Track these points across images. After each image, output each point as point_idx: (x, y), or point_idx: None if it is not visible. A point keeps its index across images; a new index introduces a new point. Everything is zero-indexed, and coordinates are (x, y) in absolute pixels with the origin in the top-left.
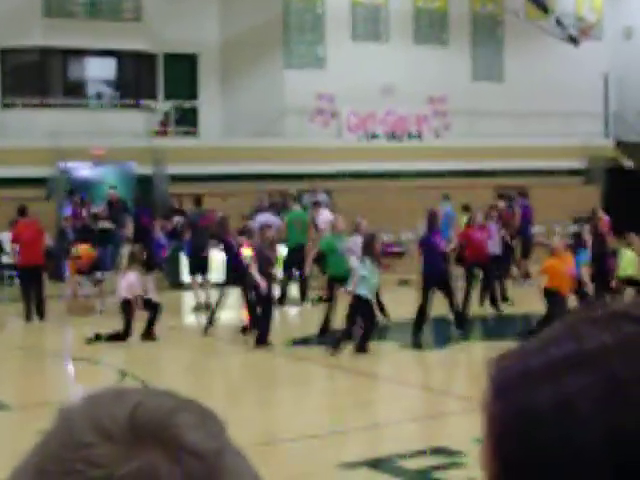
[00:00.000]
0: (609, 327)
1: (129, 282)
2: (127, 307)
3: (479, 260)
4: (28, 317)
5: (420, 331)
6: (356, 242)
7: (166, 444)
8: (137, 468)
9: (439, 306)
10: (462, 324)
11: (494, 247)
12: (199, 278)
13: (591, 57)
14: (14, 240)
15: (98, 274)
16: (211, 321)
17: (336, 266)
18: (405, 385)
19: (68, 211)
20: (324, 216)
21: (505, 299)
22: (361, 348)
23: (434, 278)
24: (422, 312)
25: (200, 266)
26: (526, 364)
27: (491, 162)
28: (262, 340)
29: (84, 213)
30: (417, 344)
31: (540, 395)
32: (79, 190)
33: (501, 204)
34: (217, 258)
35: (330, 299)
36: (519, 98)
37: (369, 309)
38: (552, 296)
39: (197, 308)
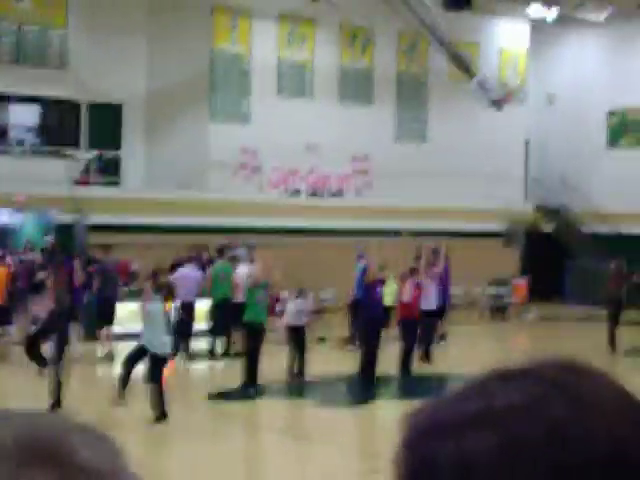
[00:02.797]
0: (518, 386)
1: None
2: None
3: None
4: None
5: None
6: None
7: (58, 462)
8: None
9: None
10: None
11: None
12: (105, 329)
13: (513, 121)
14: None
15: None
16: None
17: (256, 315)
18: (322, 444)
19: None
20: (241, 270)
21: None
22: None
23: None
24: (368, 367)
25: (107, 316)
26: (435, 418)
27: (409, 222)
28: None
29: (15, 261)
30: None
31: (442, 450)
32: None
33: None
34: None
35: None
36: (441, 159)
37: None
38: None
39: (103, 359)
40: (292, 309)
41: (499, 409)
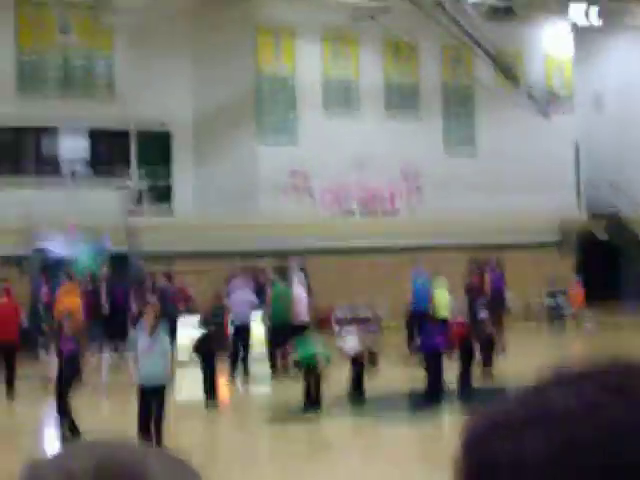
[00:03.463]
0: (575, 391)
1: None
2: None
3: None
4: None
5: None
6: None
7: None
8: None
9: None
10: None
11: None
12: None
13: (562, 128)
14: None
15: None
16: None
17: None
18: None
19: (44, 289)
20: (299, 292)
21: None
22: None
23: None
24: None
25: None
26: (494, 420)
27: (464, 236)
28: None
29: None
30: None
31: (500, 450)
32: (53, 268)
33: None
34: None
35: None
36: (492, 168)
37: None
38: None
39: None
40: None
41: (558, 411)
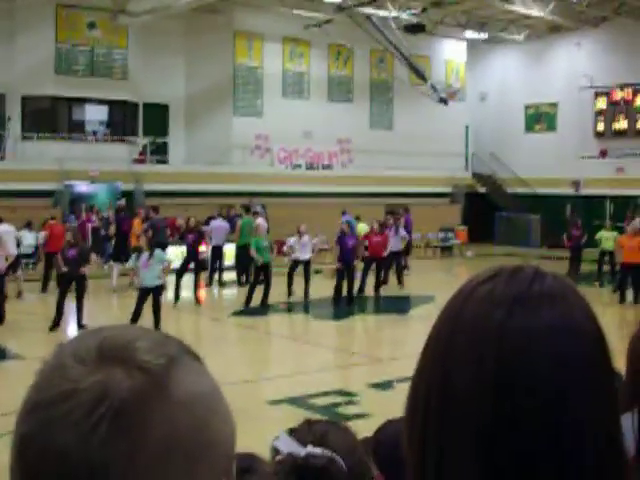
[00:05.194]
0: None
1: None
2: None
3: (375, 256)
4: (44, 288)
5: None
6: (297, 241)
7: (123, 363)
8: (95, 381)
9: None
10: (351, 301)
11: (396, 245)
12: None
13: (456, 113)
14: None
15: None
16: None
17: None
18: (316, 345)
19: (71, 218)
20: (261, 222)
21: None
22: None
23: (346, 265)
24: (339, 289)
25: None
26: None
27: (382, 187)
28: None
29: (93, 218)
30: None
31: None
32: (77, 201)
33: (389, 218)
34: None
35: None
36: (404, 141)
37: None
38: None
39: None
40: (297, 246)
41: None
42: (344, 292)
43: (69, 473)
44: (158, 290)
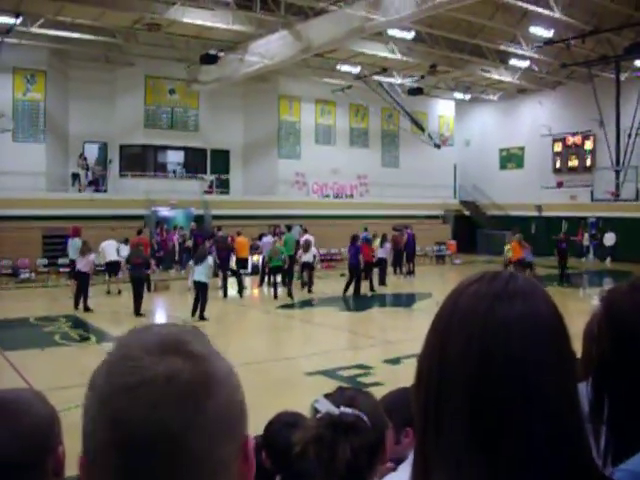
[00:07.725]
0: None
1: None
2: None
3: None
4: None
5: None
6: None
7: (181, 353)
8: (161, 369)
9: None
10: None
11: (383, 255)
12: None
13: (447, 155)
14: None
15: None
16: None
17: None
18: (340, 330)
19: (157, 236)
20: (305, 237)
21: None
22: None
23: (353, 268)
24: (348, 286)
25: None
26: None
27: (390, 211)
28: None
29: (175, 236)
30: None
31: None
32: (162, 223)
33: (395, 233)
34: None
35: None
36: (407, 176)
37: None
38: None
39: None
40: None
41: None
42: (353, 290)
43: (165, 440)
44: (204, 286)
